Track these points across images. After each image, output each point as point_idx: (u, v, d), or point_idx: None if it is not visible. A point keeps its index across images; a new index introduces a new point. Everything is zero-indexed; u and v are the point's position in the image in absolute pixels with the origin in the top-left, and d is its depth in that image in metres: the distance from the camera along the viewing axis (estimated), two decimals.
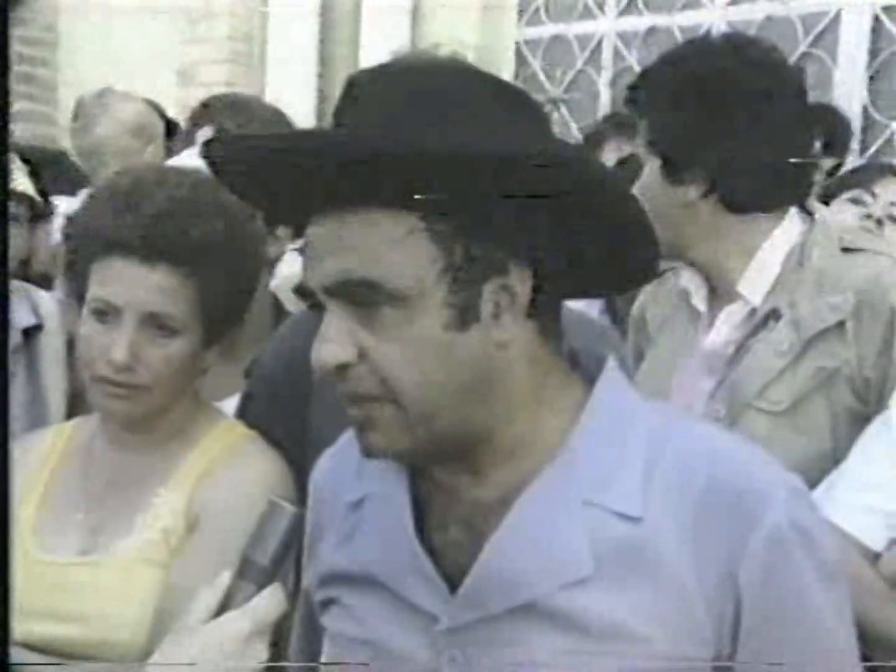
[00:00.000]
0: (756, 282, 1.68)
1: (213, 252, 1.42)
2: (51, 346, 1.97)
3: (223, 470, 1.46)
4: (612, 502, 0.95)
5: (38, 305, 1.93)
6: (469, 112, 0.92)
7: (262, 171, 0.95)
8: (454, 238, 0.91)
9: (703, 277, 1.77)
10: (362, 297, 0.92)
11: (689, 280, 1.79)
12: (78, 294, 1.49)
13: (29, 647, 1.39)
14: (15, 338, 1.84)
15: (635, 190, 1.65)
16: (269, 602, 0.93)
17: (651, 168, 1.70)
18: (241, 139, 0.96)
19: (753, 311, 1.68)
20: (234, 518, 1.25)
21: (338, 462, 1.15)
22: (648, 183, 1.70)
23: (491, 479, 0.99)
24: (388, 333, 0.92)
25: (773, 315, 1.64)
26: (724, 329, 1.71)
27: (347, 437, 1.15)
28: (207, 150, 0.96)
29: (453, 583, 0.98)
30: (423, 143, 0.88)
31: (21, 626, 1.38)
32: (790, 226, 1.70)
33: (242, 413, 1.76)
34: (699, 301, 1.77)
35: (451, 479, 1.01)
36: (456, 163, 0.87)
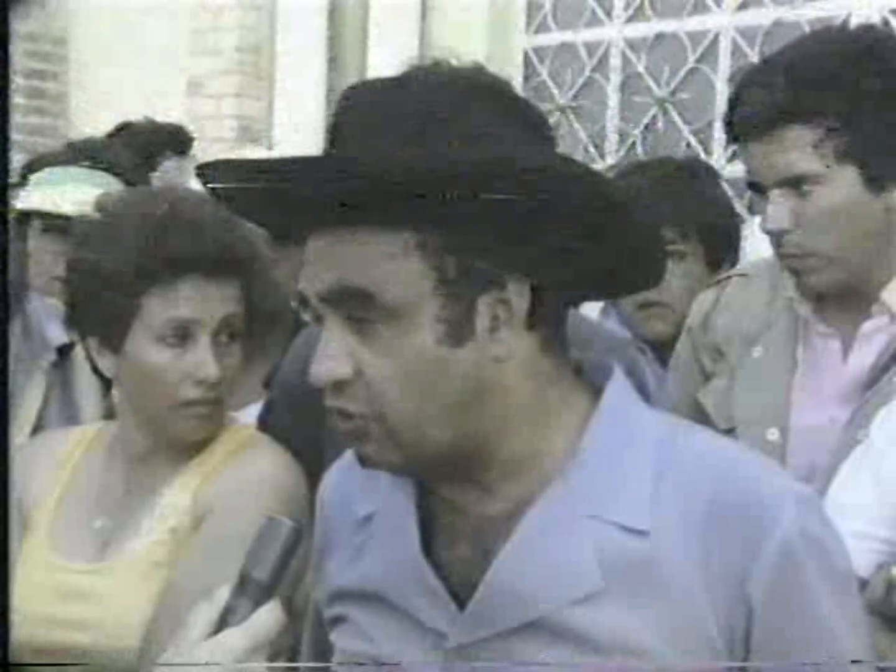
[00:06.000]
0: None
1: (256, 259, 1.50)
2: (85, 363, 1.96)
3: (230, 468, 1.46)
4: (620, 516, 0.94)
5: None
6: (462, 131, 0.92)
7: (257, 193, 0.96)
8: (447, 253, 0.91)
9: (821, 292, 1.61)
10: (356, 308, 0.92)
11: (802, 295, 1.63)
12: (111, 326, 1.45)
13: (41, 653, 1.39)
14: (50, 356, 1.84)
15: (822, 213, 1.53)
16: (267, 619, 0.93)
17: (843, 183, 1.53)
18: (232, 164, 0.97)
19: None
20: (240, 515, 1.26)
21: (345, 478, 1.14)
22: (845, 197, 1.54)
23: (497, 494, 0.99)
24: (381, 349, 0.92)
25: None
26: (868, 350, 1.58)
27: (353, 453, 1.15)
28: (203, 173, 0.97)
29: (462, 600, 0.97)
30: (413, 165, 0.88)
31: (34, 632, 1.38)
32: None
33: (265, 421, 1.78)
34: (819, 319, 1.62)
35: (457, 494, 1.00)
36: (447, 181, 0.87)
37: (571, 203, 0.91)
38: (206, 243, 1.43)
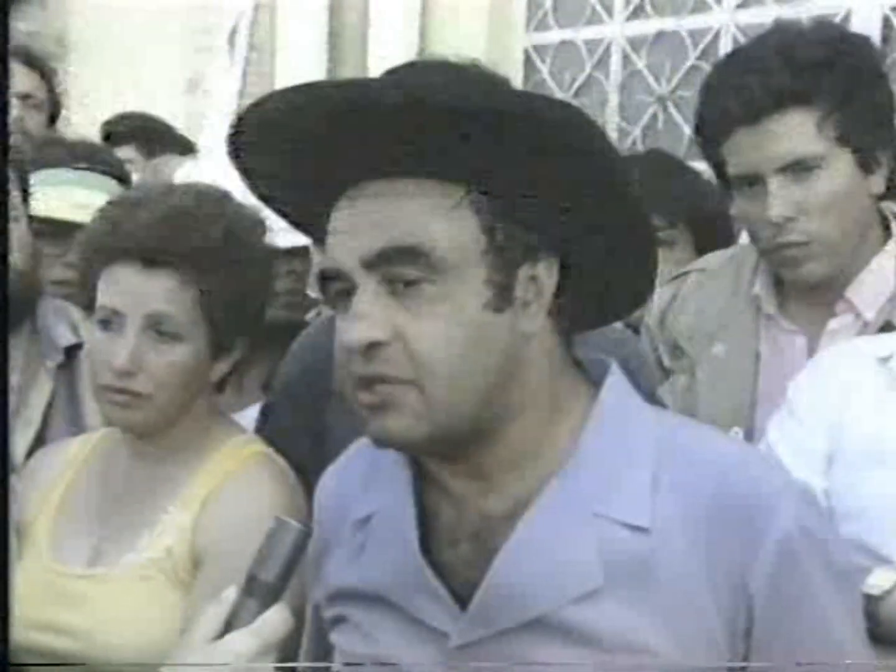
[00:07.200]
0: (869, 292, 1.55)
1: (212, 258, 1.43)
2: None
3: (231, 493, 1.44)
4: (621, 513, 0.94)
5: (77, 324, 1.92)
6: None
7: (302, 138, 0.92)
8: (495, 216, 0.92)
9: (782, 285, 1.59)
10: (403, 268, 0.90)
11: (766, 289, 1.63)
12: (90, 308, 1.51)
13: (34, 655, 1.39)
14: (57, 356, 1.85)
15: (827, 196, 1.51)
16: (274, 621, 0.92)
17: (841, 165, 1.52)
18: (299, 91, 0.92)
19: (863, 325, 1.55)
20: (241, 555, 1.25)
21: (343, 479, 1.14)
22: (845, 182, 1.52)
23: (498, 488, 0.98)
24: (425, 310, 0.91)
25: (887, 329, 1.51)
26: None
27: (351, 453, 1.15)
28: (244, 114, 0.93)
29: (463, 599, 0.97)
30: (474, 97, 0.88)
31: (27, 635, 1.39)
32: None
33: (264, 422, 1.77)
34: (783, 316, 1.61)
35: (459, 486, 1.00)
36: (503, 131, 0.87)
37: (595, 171, 0.91)
38: (138, 232, 1.42)
